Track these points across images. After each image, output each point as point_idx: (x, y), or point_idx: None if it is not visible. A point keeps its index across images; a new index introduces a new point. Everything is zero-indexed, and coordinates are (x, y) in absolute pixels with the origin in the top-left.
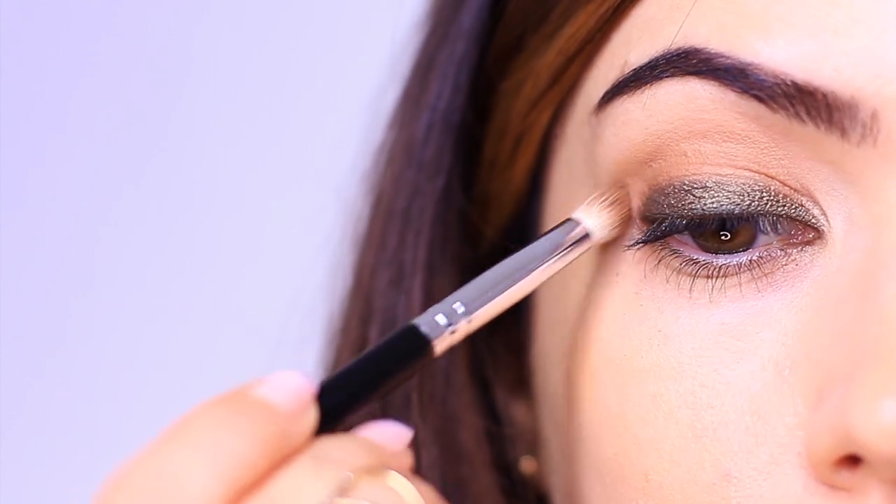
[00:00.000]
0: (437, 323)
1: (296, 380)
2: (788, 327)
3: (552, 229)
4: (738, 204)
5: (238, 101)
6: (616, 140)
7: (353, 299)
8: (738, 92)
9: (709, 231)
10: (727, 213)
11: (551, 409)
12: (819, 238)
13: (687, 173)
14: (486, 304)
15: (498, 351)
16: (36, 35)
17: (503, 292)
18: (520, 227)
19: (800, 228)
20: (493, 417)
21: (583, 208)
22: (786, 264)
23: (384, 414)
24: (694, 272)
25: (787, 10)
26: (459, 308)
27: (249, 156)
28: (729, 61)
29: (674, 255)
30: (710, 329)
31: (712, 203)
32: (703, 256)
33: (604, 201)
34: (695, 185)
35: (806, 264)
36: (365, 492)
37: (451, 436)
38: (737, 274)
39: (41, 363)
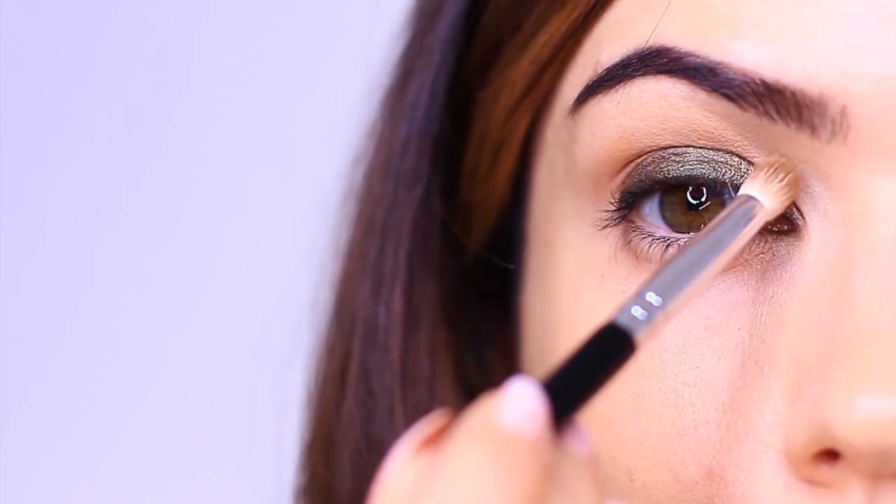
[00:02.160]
0: (634, 317)
1: (532, 397)
2: (768, 323)
3: (729, 207)
4: (714, 170)
5: (219, 118)
6: (593, 139)
7: (336, 308)
8: (708, 91)
9: (678, 199)
10: (700, 177)
11: None
12: (794, 231)
13: (666, 170)
14: (680, 292)
15: (486, 359)
16: (36, 35)
17: (694, 279)
18: (504, 234)
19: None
20: None
21: (749, 182)
22: (763, 253)
23: (368, 423)
24: (662, 252)
25: (755, 11)
26: (654, 299)
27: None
28: (699, 60)
29: (643, 237)
30: (696, 324)
31: (687, 167)
32: (672, 235)
33: (769, 171)
34: (671, 154)
35: (783, 256)
36: None
37: None
38: None
39: (41, 363)
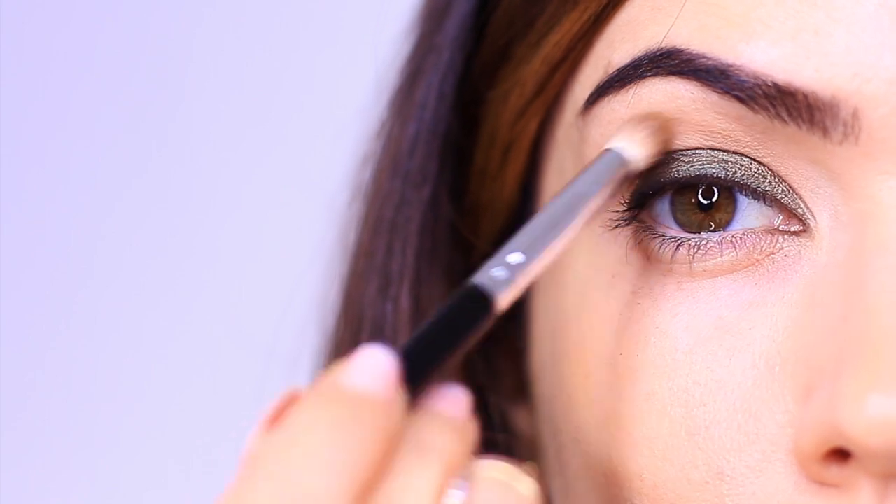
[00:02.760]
0: (493, 277)
1: (382, 360)
2: (779, 323)
3: (593, 162)
4: (724, 170)
5: (228, 116)
6: (603, 140)
7: (344, 307)
8: (719, 93)
9: (689, 199)
10: (712, 177)
11: (547, 414)
12: (805, 231)
13: (677, 170)
14: (542, 249)
15: (495, 359)
16: (36, 35)
17: (556, 236)
18: (513, 234)
19: (784, 214)
20: (489, 425)
21: (621, 136)
22: (774, 252)
23: None
24: (673, 252)
25: (767, 12)
26: (517, 259)
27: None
28: (710, 62)
29: (654, 237)
30: (707, 324)
31: (697, 167)
32: (682, 234)
33: (644, 129)
34: (682, 154)
35: (795, 256)
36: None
37: None
38: (719, 255)
39: (41, 363)
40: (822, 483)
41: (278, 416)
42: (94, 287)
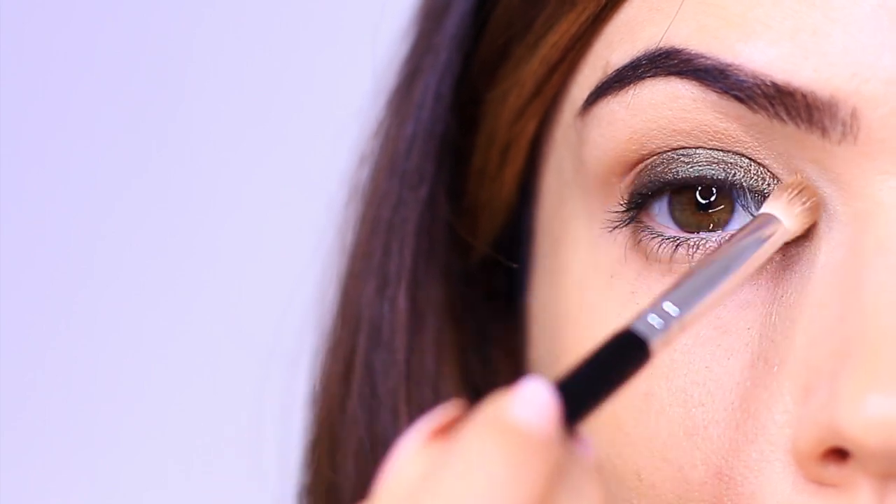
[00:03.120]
0: (651, 325)
1: (545, 395)
2: (777, 323)
3: (750, 225)
4: (723, 171)
5: (226, 116)
6: (602, 140)
7: (341, 308)
8: (718, 92)
9: (688, 199)
10: (710, 178)
11: None
12: (804, 232)
13: (677, 171)
14: (696, 304)
15: (494, 359)
16: (36, 35)
17: (711, 292)
18: (511, 235)
19: None
20: None
21: (771, 202)
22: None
23: (372, 422)
24: (672, 252)
25: (765, 12)
26: (672, 309)
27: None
28: (709, 62)
29: (653, 237)
30: (706, 324)
31: (695, 167)
32: (681, 234)
33: (792, 192)
34: (681, 155)
35: (793, 256)
36: None
37: None
38: None
39: (41, 363)
40: (821, 483)
41: (440, 433)
42: (94, 287)
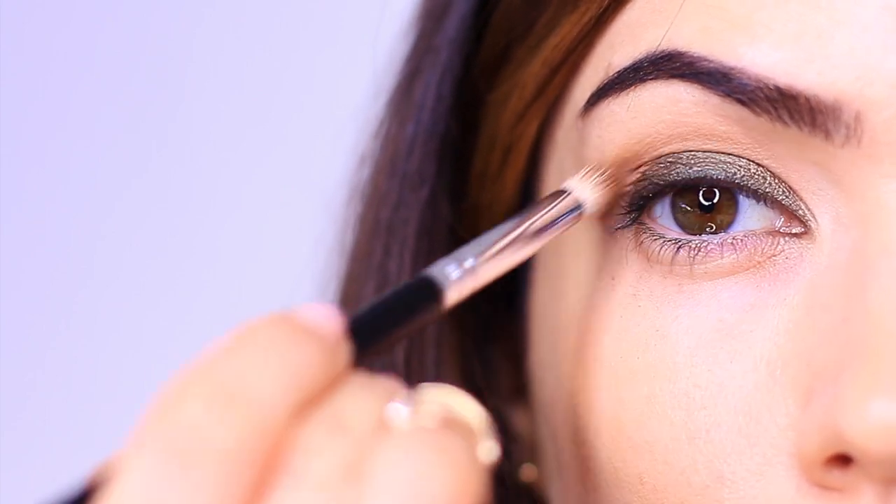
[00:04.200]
0: (446, 274)
1: (332, 311)
2: (780, 326)
3: (546, 199)
4: (724, 171)
5: (226, 116)
6: (601, 142)
7: (342, 308)
8: (721, 95)
9: (690, 200)
10: (712, 178)
11: (547, 416)
12: (807, 234)
13: (677, 173)
14: (490, 259)
15: (494, 360)
16: (36, 35)
17: (505, 250)
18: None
19: (785, 216)
20: None
21: (576, 180)
22: (775, 255)
23: None
24: (673, 254)
25: (769, 15)
26: (469, 262)
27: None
28: (712, 65)
29: (654, 238)
30: (708, 327)
31: (697, 169)
32: (683, 236)
33: (598, 176)
34: (683, 156)
35: (796, 258)
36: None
37: None
38: (720, 256)
39: (41, 363)
40: (824, 487)
41: None
42: (94, 287)
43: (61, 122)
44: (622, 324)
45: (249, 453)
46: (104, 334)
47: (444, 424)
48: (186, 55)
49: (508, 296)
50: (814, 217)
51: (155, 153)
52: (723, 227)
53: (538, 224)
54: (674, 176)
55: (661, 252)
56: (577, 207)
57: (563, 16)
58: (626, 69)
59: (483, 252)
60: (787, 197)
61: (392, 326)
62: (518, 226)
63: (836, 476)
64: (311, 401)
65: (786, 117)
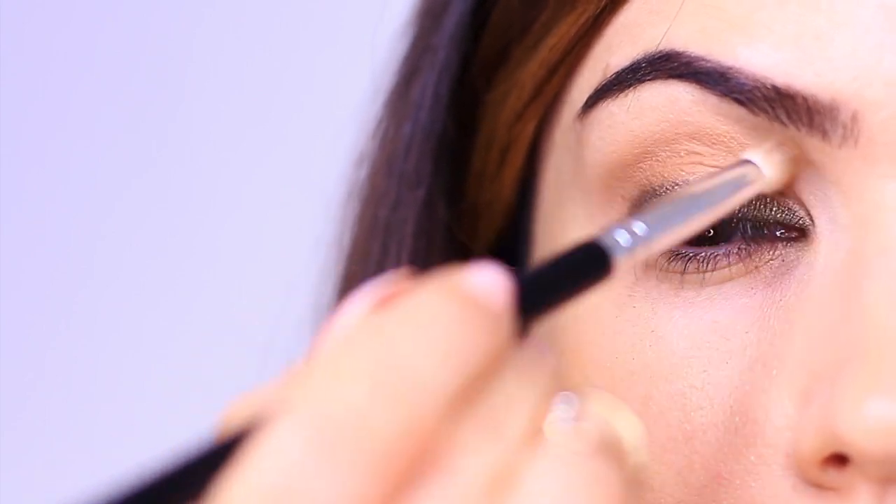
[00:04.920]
0: (617, 241)
1: (502, 277)
2: (776, 327)
3: (728, 168)
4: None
5: (225, 116)
6: (602, 144)
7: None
8: (719, 95)
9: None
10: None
11: None
12: (804, 236)
13: (682, 174)
14: (665, 230)
15: None
16: (36, 35)
17: (684, 221)
18: (510, 236)
19: (785, 229)
20: None
21: (763, 153)
22: (772, 259)
23: None
24: (682, 267)
25: (768, 15)
26: (641, 229)
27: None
28: (710, 65)
29: (660, 254)
30: (703, 328)
31: (695, 168)
32: (689, 249)
33: (773, 146)
34: (682, 157)
35: (792, 261)
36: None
37: None
38: (727, 265)
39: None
40: (820, 487)
41: (389, 300)
42: (94, 287)
43: (61, 122)
44: (617, 325)
45: (407, 445)
46: (104, 334)
47: (602, 447)
48: (186, 55)
49: None
50: (810, 218)
51: (155, 153)
52: (722, 237)
53: (714, 195)
54: (673, 177)
55: (658, 258)
56: (755, 175)
57: (561, 16)
58: (623, 70)
59: (656, 220)
60: (787, 213)
61: (559, 296)
62: (693, 197)
63: (833, 476)
64: (473, 386)
65: (783, 117)
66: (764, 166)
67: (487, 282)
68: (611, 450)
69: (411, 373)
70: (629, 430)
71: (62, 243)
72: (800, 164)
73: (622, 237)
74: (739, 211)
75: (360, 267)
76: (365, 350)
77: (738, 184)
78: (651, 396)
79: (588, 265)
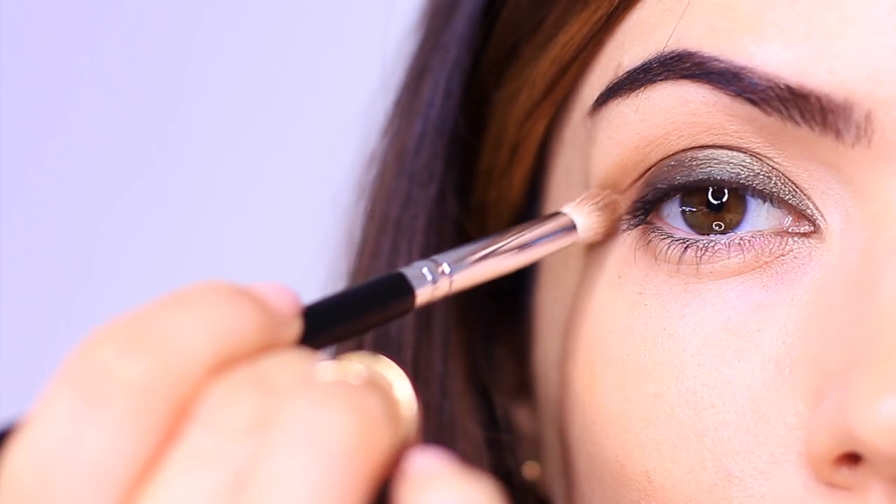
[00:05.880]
0: (422, 274)
1: (286, 290)
2: (789, 325)
3: (543, 218)
4: (731, 172)
5: (233, 110)
6: (610, 143)
7: None
8: (731, 95)
9: (699, 200)
10: (716, 179)
11: (552, 413)
12: (816, 233)
13: (687, 174)
14: (467, 268)
15: (498, 357)
16: (36, 35)
17: (484, 262)
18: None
19: (793, 215)
20: (493, 424)
21: (574, 205)
22: (783, 255)
23: None
24: (680, 253)
25: (779, 14)
26: (446, 268)
27: (246, 162)
28: (722, 65)
29: (662, 238)
30: (715, 326)
31: (706, 169)
32: (691, 236)
33: (596, 202)
34: (692, 157)
35: (805, 257)
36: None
37: (448, 445)
38: (726, 256)
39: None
40: (832, 485)
41: None
42: (94, 287)
43: (61, 122)
44: (628, 322)
45: (160, 393)
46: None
47: (366, 384)
48: (186, 55)
49: (512, 294)
50: (822, 216)
51: (155, 153)
52: (731, 227)
53: (524, 239)
54: (683, 177)
55: (669, 251)
56: (570, 229)
57: (574, 14)
58: (635, 69)
59: (461, 259)
60: (793, 196)
61: (353, 315)
62: (501, 240)
63: (845, 474)
64: (240, 359)
65: (796, 116)
66: (576, 216)
67: (270, 288)
68: (375, 387)
69: (160, 331)
70: (399, 383)
71: (62, 243)
72: (616, 211)
73: (426, 271)
74: (742, 176)
75: (370, 264)
76: (120, 321)
77: (550, 234)
78: (662, 394)
79: (391, 293)
